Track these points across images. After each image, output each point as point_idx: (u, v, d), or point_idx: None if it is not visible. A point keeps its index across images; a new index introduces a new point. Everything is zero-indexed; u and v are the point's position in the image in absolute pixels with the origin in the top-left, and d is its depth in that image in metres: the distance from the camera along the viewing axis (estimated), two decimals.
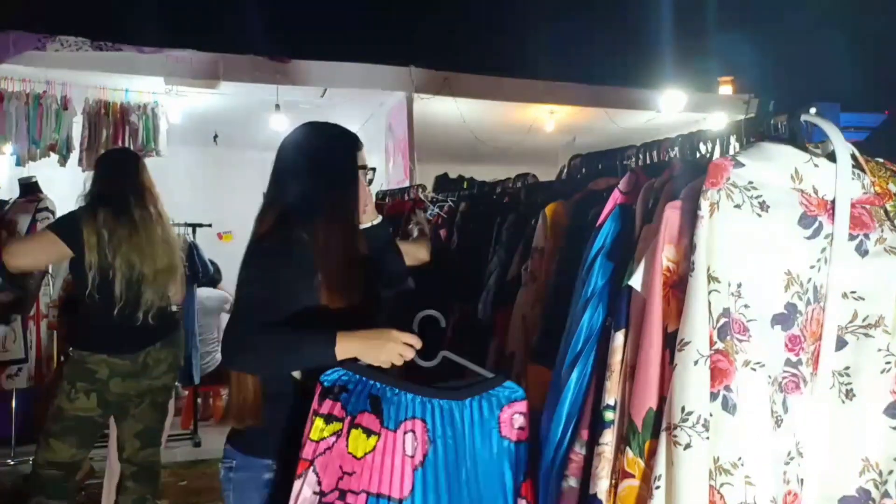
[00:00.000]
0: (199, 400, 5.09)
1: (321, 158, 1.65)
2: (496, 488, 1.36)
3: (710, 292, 1.07)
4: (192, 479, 4.06)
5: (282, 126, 5.41)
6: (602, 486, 1.15)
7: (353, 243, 1.60)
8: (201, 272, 4.58)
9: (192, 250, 4.60)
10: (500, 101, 6.41)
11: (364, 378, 1.36)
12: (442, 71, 6.04)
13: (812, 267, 1.14)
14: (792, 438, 1.12)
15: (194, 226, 4.84)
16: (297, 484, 1.30)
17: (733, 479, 1.02)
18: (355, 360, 1.39)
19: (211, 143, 7.02)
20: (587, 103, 6.65)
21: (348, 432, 1.32)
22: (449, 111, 6.20)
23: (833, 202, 1.14)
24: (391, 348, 1.39)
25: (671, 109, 6.89)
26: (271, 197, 1.65)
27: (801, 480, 1.13)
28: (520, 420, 1.39)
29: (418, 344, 1.41)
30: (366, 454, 1.31)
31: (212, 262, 5.14)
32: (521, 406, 1.40)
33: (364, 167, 1.70)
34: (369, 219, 1.77)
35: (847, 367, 1.15)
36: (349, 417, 1.33)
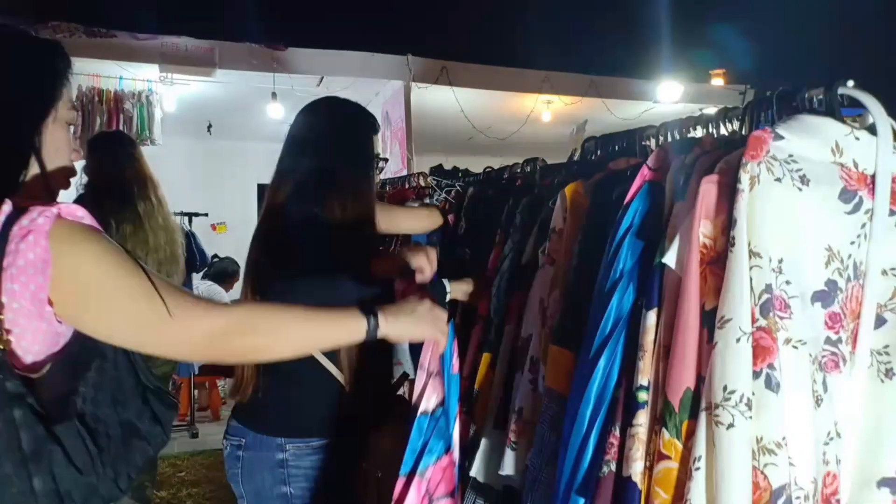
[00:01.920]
0: (195, 391, 5.04)
1: (342, 134, 1.61)
2: None
3: (751, 268, 1.03)
4: (190, 470, 4.02)
5: (278, 114, 5.36)
6: (636, 469, 1.12)
7: (372, 226, 1.56)
8: (199, 261, 4.52)
9: (189, 239, 4.54)
10: (498, 91, 6.39)
11: None
12: (439, 60, 5.99)
13: (852, 243, 1.11)
14: (831, 418, 1.09)
15: (190, 215, 4.80)
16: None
17: (777, 458, 0.99)
18: None
19: (205, 134, 6.96)
20: (584, 93, 6.62)
21: None
22: (446, 100, 6.16)
23: (874, 176, 1.11)
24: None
25: (668, 100, 6.89)
26: (285, 168, 1.60)
27: (840, 461, 1.11)
28: None
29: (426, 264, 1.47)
30: None
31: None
32: None
33: (378, 155, 1.67)
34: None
35: (886, 346, 1.12)
36: None
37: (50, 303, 0.92)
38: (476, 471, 1.75)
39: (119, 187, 2.56)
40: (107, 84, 5.26)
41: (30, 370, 0.94)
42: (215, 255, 6.04)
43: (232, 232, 7.76)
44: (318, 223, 1.48)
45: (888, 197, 1.11)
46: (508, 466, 1.55)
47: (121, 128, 5.14)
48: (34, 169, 1.02)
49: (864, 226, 1.11)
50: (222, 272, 5.65)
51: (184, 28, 5.14)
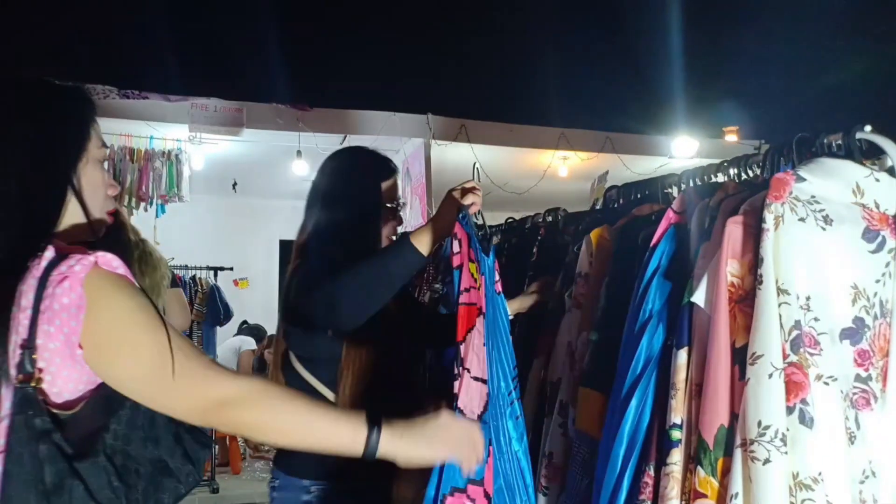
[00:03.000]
0: (216, 446, 5.02)
1: (340, 184, 1.65)
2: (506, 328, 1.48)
3: (780, 304, 1.06)
4: None
5: (303, 171, 5.49)
6: None
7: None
8: (223, 314, 4.58)
9: (213, 293, 4.63)
10: (515, 148, 6.50)
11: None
12: (458, 118, 6.14)
13: (877, 281, 1.13)
14: (865, 456, 1.09)
15: (216, 269, 4.88)
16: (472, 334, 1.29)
17: (814, 494, 0.99)
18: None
19: (230, 191, 7.12)
20: (600, 149, 6.72)
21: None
22: (465, 157, 6.28)
23: (895, 217, 1.15)
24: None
25: (683, 155, 6.96)
26: (301, 227, 1.69)
27: (877, 501, 1.10)
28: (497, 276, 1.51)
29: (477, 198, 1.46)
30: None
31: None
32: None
33: (395, 200, 1.70)
34: None
35: None
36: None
37: (80, 346, 0.95)
38: None
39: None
40: (138, 143, 5.44)
41: (63, 408, 0.98)
42: (245, 322, 6.28)
43: (254, 287, 7.85)
44: (329, 260, 1.53)
45: None
46: None
47: (150, 185, 5.30)
48: (75, 209, 1.06)
49: (888, 265, 1.14)
50: (254, 333, 5.80)
51: (213, 89, 5.34)
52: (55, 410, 0.96)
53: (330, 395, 1.55)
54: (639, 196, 1.79)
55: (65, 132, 1.08)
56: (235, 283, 7.55)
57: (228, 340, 5.64)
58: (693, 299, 1.18)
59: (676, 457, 1.14)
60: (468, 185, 1.46)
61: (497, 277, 1.49)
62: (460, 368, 1.23)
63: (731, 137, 8.09)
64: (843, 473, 1.03)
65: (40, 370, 0.94)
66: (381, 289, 1.43)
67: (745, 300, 1.12)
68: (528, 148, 6.55)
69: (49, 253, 0.95)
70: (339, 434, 1.06)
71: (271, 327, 7.85)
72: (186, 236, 6.36)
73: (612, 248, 1.57)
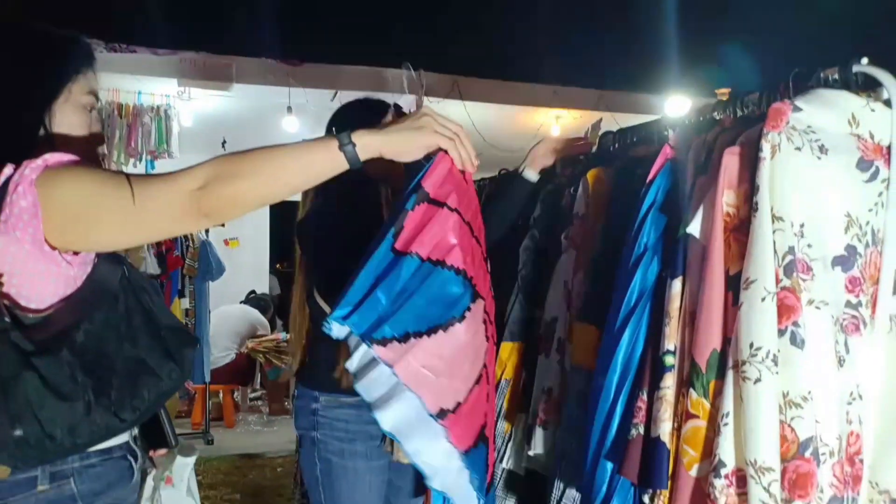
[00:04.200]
0: (209, 401, 5.08)
1: (349, 120, 1.72)
2: None
3: (774, 231, 1.08)
4: (207, 474, 4.06)
5: (293, 128, 5.44)
6: (665, 429, 1.15)
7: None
8: (215, 269, 4.58)
9: (205, 248, 4.62)
10: (508, 106, 6.45)
11: None
12: (451, 74, 6.08)
13: (870, 210, 1.15)
14: (853, 379, 1.12)
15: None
16: None
17: (803, 412, 1.03)
18: None
19: (219, 149, 7.06)
20: (594, 107, 6.68)
21: None
22: (458, 115, 6.23)
23: (889, 147, 1.16)
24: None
25: (676, 114, 6.94)
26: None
27: (863, 422, 1.14)
28: None
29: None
30: None
31: None
32: None
33: (401, 110, 1.78)
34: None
35: None
36: None
37: (47, 242, 1.00)
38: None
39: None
40: (126, 98, 5.36)
41: (35, 311, 1.03)
42: (252, 291, 6.60)
43: (244, 247, 7.84)
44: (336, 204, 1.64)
45: None
46: (538, 445, 1.59)
47: (139, 141, 5.24)
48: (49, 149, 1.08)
49: (881, 194, 1.16)
50: (261, 304, 5.89)
51: (202, 44, 5.25)
52: (25, 314, 1.02)
53: None
54: (635, 139, 1.80)
55: (42, 69, 1.13)
56: (226, 242, 7.54)
57: (237, 306, 5.71)
58: (688, 230, 1.20)
59: (669, 381, 1.17)
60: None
61: None
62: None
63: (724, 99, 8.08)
64: (831, 394, 1.07)
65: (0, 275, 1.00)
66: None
67: (740, 229, 1.14)
68: (521, 106, 6.51)
69: (7, 170, 1.00)
70: (315, 153, 1.03)
71: (262, 288, 7.89)
72: None
73: (609, 189, 1.58)
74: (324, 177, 1.05)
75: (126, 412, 1.05)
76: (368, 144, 1.03)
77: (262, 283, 8.13)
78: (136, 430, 1.20)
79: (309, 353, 1.79)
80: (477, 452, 1.12)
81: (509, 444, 1.80)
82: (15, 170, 1.00)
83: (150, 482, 1.31)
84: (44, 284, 1.03)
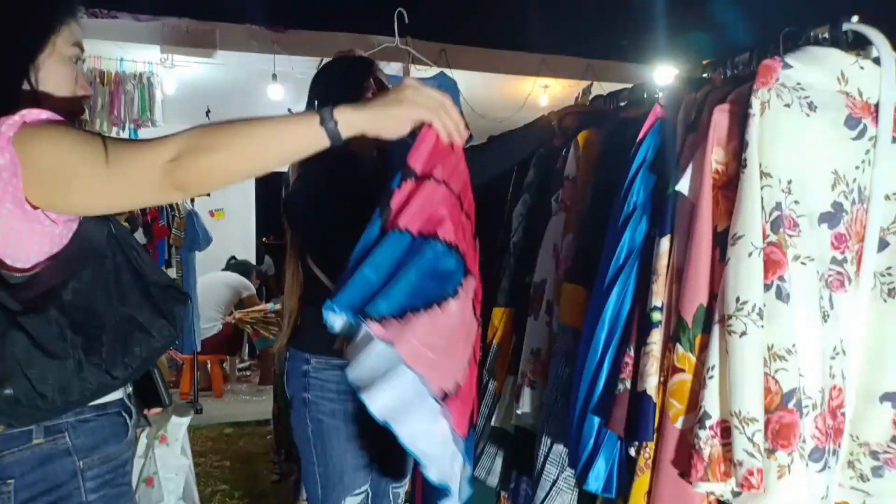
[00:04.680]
0: (198, 372, 5.08)
1: (332, 80, 1.78)
2: None
3: (762, 187, 1.09)
4: (196, 442, 4.07)
5: (278, 95, 5.39)
6: (651, 383, 1.17)
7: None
8: (202, 239, 4.55)
9: (191, 218, 4.59)
10: (496, 75, 6.41)
11: None
12: (439, 43, 6.02)
13: (857, 168, 1.16)
14: (837, 334, 1.15)
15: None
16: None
17: (787, 364, 1.04)
18: None
19: (203, 118, 6.97)
20: (581, 76, 6.66)
21: None
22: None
23: (877, 105, 1.17)
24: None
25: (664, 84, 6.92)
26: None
27: (845, 377, 1.16)
28: None
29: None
30: None
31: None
32: None
33: (382, 83, 1.80)
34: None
35: (889, 268, 1.18)
36: None
37: (27, 201, 0.98)
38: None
39: None
40: (108, 66, 5.27)
41: (20, 271, 1.02)
42: (233, 258, 6.49)
43: (230, 219, 7.79)
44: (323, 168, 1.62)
45: (891, 125, 1.17)
46: (525, 404, 1.61)
47: (122, 109, 5.16)
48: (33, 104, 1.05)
49: (868, 152, 1.17)
50: (242, 269, 5.83)
51: (185, 9, 5.15)
52: (10, 273, 1.01)
53: None
54: (627, 103, 1.79)
55: (25, 22, 1.10)
56: (211, 213, 7.47)
57: (218, 274, 5.66)
58: (677, 188, 1.21)
59: (656, 337, 1.19)
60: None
61: None
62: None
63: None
64: (815, 347, 1.09)
65: None
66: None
67: (729, 186, 1.15)
68: (509, 74, 6.47)
69: None
70: (295, 130, 0.99)
71: (249, 258, 7.86)
72: None
73: (600, 150, 1.58)
74: (304, 154, 1.02)
75: (118, 369, 1.05)
76: (351, 121, 0.99)
77: (249, 256, 8.11)
78: (129, 388, 1.20)
79: (301, 317, 1.82)
80: (470, 439, 1.12)
81: (497, 404, 1.82)
82: None
83: (143, 440, 1.31)
84: (28, 243, 1.02)
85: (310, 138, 0.98)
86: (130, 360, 1.07)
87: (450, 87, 1.53)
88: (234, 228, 7.88)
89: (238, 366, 6.31)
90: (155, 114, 5.34)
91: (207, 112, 6.92)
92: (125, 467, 1.17)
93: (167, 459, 1.33)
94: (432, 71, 6.02)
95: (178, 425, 1.35)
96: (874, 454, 1.21)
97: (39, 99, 1.09)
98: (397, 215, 1.03)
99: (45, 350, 0.98)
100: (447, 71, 5.95)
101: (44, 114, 1.00)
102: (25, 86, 1.10)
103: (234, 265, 6.24)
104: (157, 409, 1.33)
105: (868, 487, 1.23)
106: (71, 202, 1.02)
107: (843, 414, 1.17)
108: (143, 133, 5.46)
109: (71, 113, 1.13)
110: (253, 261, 7.76)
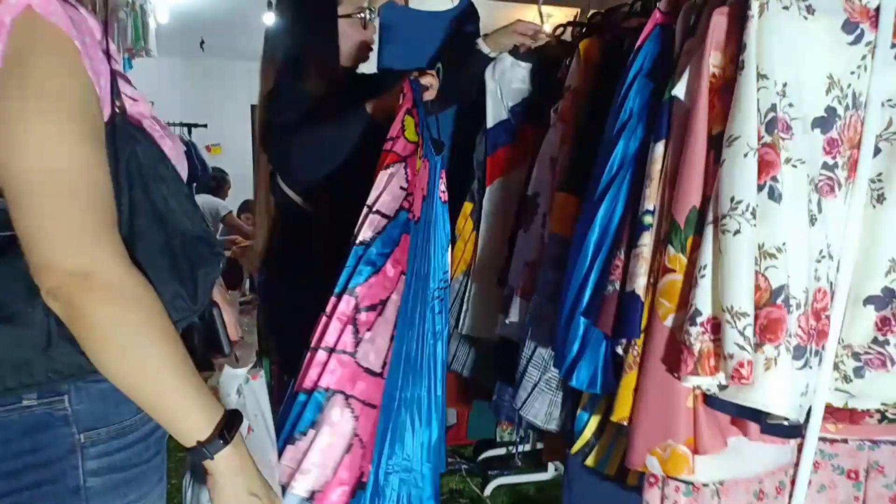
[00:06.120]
0: None
1: (298, 5, 1.72)
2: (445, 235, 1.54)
3: (759, 89, 1.09)
4: None
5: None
6: (640, 283, 1.20)
7: (338, 88, 1.66)
8: (201, 171, 4.54)
9: (189, 149, 4.56)
10: (498, 2, 6.28)
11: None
12: None
13: (852, 73, 1.17)
14: (824, 238, 1.17)
15: (190, 126, 4.78)
16: (385, 174, 1.35)
17: (777, 262, 1.07)
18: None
19: (198, 51, 6.84)
20: (585, 6, 6.52)
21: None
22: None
23: (877, 10, 1.16)
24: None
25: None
26: (267, 54, 1.74)
27: (831, 281, 1.20)
28: (443, 186, 1.55)
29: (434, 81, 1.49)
30: (418, 173, 1.39)
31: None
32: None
33: (362, 9, 1.75)
34: (367, 54, 1.83)
35: (880, 174, 1.20)
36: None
37: None
38: (469, 328, 1.88)
39: None
40: None
41: None
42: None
43: (227, 154, 7.72)
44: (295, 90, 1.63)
45: (891, 30, 1.17)
46: (514, 314, 1.65)
47: (116, 37, 5.06)
48: None
49: (864, 57, 1.17)
50: (214, 182, 5.53)
51: None
52: None
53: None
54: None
55: None
56: (208, 148, 7.41)
57: (208, 199, 5.56)
58: (674, 93, 1.21)
59: (647, 239, 1.21)
60: (427, 73, 1.53)
61: (443, 187, 1.53)
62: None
63: None
64: (803, 248, 1.11)
65: None
66: (338, 141, 1.53)
67: (725, 90, 1.15)
68: (511, 2, 6.34)
69: None
70: (187, 414, 0.79)
71: (247, 196, 7.83)
72: (156, 97, 6.17)
73: (599, 59, 1.57)
74: (167, 420, 0.81)
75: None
76: (223, 467, 0.82)
77: (246, 191, 8.05)
78: None
79: (273, 239, 1.79)
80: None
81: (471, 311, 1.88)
82: None
83: None
84: None
85: (182, 425, 0.80)
86: None
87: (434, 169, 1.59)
88: (230, 162, 7.83)
89: (239, 299, 6.35)
90: (149, 43, 5.23)
91: (202, 44, 6.79)
92: (148, 440, 0.88)
93: None
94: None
95: (232, 377, 1.10)
96: (856, 355, 1.25)
97: None
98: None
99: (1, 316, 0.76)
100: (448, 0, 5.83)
101: (52, 4, 0.75)
102: None
103: (200, 186, 5.27)
104: (220, 359, 1.07)
105: (850, 388, 1.28)
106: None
107: (827, 317, 1.20)
108: (138, 63, 5.37)
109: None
110: (251, 197, 7.66)
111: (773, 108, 1.10)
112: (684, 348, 1.11)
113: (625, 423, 1.23)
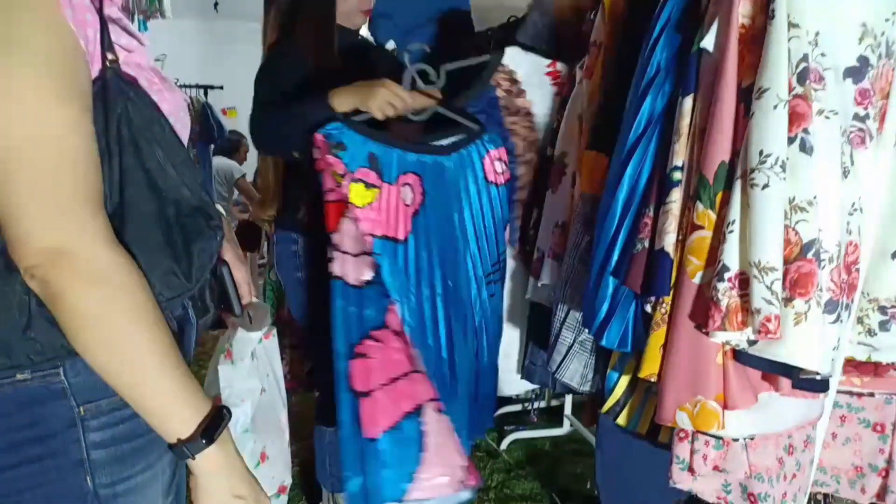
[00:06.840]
0: None
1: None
2: (488, 222, 1.62)
3: (790, 39, 1.07)
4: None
5: None
6: (669, 241, 1.19)
7: (329, 43, 1.68)
8: (217, 133, 4.55)
9: (205, 110, 4.57)
10: None
11: (361, 137, 1.45)
12: None
13: (887, 20, 1.14)
14: (856, 191, 1.16)
15: (206, 87, 4.77)
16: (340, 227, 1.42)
17: (808, 216, 1.06)
18: (356, 113, 1.51)
19: (212, 13, 6.77)
20: None
21: (349, 185, 1.44)
22: None
23: None
24: (382, 94, 1.51)
25: None
26: (270, 7, 1.80)
27: (861, 234, 1.18)
28: (500, 166, 1.64)
29: (408, 98, 1.54)
30: (367, 204, 1.43)
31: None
32: (501, 153, 1.65)
33: None
34: (362, 20, 1.86)
35: None
36: (349, 173, 1.43)
37: None
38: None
39: None
40: None
41: None
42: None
43: (242, 117, 7.69)
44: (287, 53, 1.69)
45: None
46: (546, 276, 1.65)
47: None
48: None
49: None
50: (230, 144, 5.52)
51: None
52: None
53: None
54: None
55: None
56: (224, 112, 7.41)
57: (222, 161, 5.56)
58: (703, 45, 1.18)
59: (676, 195, 1.20)
60: (400, 94, 1.54)
61: (497, 168, 1.60)
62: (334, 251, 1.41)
63: None
64: (835, 201, 1.10)
65: None
66: (294, 131, 1.51)
67: (755, 41, 1.13)
68: None
69: None
70: (170, 408, 0.75)
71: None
72: (171, 59, 6.14)
73: (625, 13, 1.54)
74: (147, 408, 0.77)
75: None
76: (207, 465, 0.78)
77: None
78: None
79: (283, 198, 1.82)
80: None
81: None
82: None
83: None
84: None
85: (165, 419, 0.76)
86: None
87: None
88: (245, 127, 7.80)
89: (258, 262, 6.40)
90: (164, 4, 5.18)
91: (216, 5, 6.72)
92: None
93: (233, 381, 1.08)
94: None
95: (247, 340, 1.07)
96: (882, 309, 1.25)
97: None
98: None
99: None
100: None
101: None
102: None
103: (217, 149, 5.25)
104: (230, 319, 1.03)
105: (874, 342, 1.27)
106: None
107: (857, 270, 1.20)
108: (153, 25, 5.31)
109: None
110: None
111: (805, 58, 1.07)
112: (712, 304, 1.11)
113: (652, 380, 1.24)
